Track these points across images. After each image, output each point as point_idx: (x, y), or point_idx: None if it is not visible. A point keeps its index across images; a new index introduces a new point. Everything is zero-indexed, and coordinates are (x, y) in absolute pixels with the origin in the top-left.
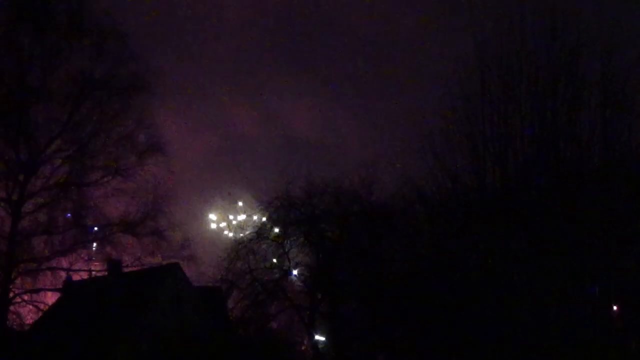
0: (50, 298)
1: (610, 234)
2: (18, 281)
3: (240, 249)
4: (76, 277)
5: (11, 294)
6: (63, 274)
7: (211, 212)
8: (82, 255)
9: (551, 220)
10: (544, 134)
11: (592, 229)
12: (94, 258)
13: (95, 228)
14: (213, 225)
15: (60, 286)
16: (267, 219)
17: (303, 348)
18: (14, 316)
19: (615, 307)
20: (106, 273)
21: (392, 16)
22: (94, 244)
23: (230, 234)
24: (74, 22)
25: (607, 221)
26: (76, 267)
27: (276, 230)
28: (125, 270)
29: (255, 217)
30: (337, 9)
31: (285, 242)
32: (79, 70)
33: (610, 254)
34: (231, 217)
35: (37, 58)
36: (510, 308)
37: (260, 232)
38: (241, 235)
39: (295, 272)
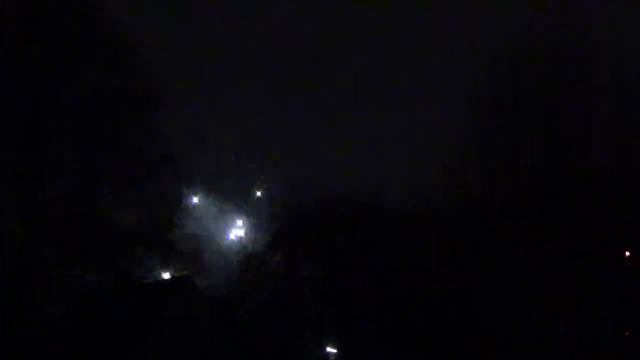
0: (62, 309)
1: (622, 246)
2: (29, 292)
3: (252, 260)
4: (87, 288)
5: (22, 305)
6: (74, 286)
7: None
8: (94, 267)
9: (563, 232)
10: (555, 144)
11: (603, 240)
12: (105, 269)
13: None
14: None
15: (72, 297)
16: (278, 230)
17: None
18: (25, 327)
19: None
20: (117, 285)
21: (402, 26)
22: (106, 256)
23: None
24: (85, 37)
25: (619, 232)
26: (88, 278)
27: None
28: (137, 281)
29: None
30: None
31: (297, 252)
32: (90, 83)
33: (623, 264)
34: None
35: (49, 72)
36: (522, 320)
37: (272, 243)
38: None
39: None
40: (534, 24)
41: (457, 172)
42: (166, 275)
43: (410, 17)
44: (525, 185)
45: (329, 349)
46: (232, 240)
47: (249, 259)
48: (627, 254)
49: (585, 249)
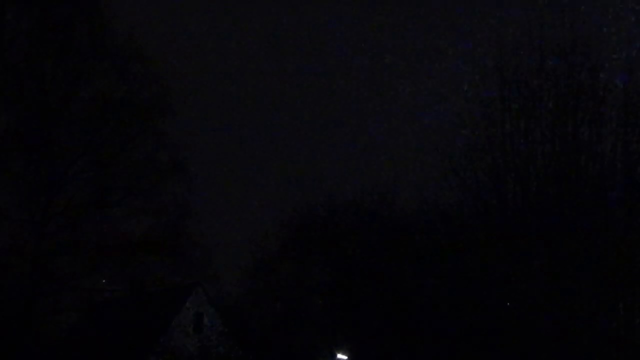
0: (73, 318)
1: (634, 251)
2: (41, 302)
3: (262, 268)
4: (98, 297)
5: (33, 315)
6: (85, 294)
7: None
8: (104, 276)
9: (573, 238)
10: (565, 150)
11: (615, 245)
12: (116, 278)
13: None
14: None
15: (82, 306)
16: (288, 238)
17: None
18: (36, 337)
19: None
20: (128, 293)
21: (411, 34)
22: (116, 264)
23: None
24: (95, 45)
25: (631, 238)
26: (98, 287)
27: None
28: (148, 289)
29: None
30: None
31: (307, 260)
32: (100, 91)
33: (635, 270)
34: None
35: (59, 80)
36: (533, 326)
37: (282, 251)
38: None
39: (316, 290)
40: (542, 26)
41: (468, 177)
42: (177, 283)
43: (417, 18)
44: (536, 190)
45: (339, 356)
46: (242, 247)
47: (259, 265)
48: None
49: (597, 256)
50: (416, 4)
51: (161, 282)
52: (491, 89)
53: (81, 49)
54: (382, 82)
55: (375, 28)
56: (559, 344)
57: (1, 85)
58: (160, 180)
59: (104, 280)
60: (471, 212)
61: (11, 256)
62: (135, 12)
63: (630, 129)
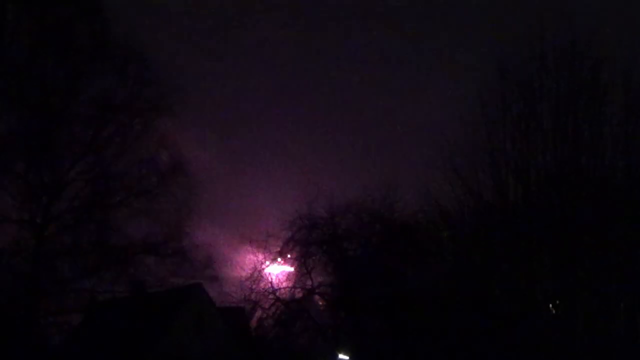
0: (75, 319)
1: (635, 250)
2: (42, 303)
3: (263, 268)
4: (100, 298)
5: (35, 316)
6: (86, 296)
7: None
8: (106, 277)
9: (574, 237)
10: (566, 150)
11: (616, 244)
12: (117, 279)
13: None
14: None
15: (84, 308)
16: (289, 239)
17: None
18: (38, 338)
19: None
20: (129, 294)
21: (412, 34)
22: (117, 266)
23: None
24: (96, 45)
25: (632, 237)
26: (100, 288)
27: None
28: (149, 290)
29: None
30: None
31: (308, 261)
32: (101, 92)
33: (636, 269)
34: None
35: (60, 81)
36: (535, 325)
37: (283, 251)
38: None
39: (318, 291)
40: (543, 26)
41: (469, 177)
42: (177, 284)
43: (417, 19)
44: (537, 190)
45: (341, 356)
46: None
47: (260, 266)
48: None
49: (599, 255)
50: (416, 4)
51: (162, 283)
52: (492, 90)
53: (81, 50)
54: (383, 82)
55: (375, 28)
56: (560, 344)
57: (2, 86)
58: (161, 182)
59: (105, 282)
60: (472, 212)
61: (13, 257)
62: (135, 12)
63: (630, 129)
